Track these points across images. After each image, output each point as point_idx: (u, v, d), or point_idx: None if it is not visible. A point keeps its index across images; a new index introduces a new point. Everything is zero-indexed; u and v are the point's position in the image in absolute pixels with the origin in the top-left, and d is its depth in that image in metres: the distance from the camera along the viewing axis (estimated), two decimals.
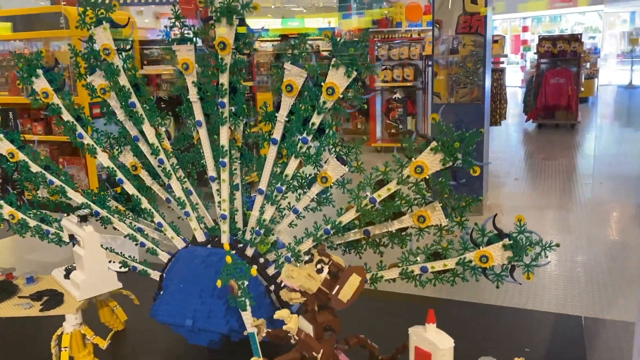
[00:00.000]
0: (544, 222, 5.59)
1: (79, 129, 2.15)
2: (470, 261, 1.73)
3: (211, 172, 2.08)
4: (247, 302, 1.77)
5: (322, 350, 1.60)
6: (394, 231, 1.87)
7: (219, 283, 1.83)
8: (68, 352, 1.98)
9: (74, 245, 2.17)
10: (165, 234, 2.20)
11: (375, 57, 9.56)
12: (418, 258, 1.84)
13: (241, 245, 2.09)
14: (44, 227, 2.32)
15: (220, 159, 1.99)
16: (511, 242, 1.67)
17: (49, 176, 2.22)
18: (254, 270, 1.84)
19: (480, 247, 1.72)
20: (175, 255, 2.16)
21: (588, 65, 13.74)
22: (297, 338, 1.62)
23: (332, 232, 1.89)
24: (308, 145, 1.84)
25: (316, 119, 1.80)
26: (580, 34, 11.58)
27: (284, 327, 1.59)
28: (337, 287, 1.63)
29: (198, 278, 2.03)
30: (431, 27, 9.46)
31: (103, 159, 2.17)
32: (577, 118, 11.21)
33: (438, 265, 1.79)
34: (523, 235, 1.67)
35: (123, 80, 2.06)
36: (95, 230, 2.02)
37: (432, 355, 1.47)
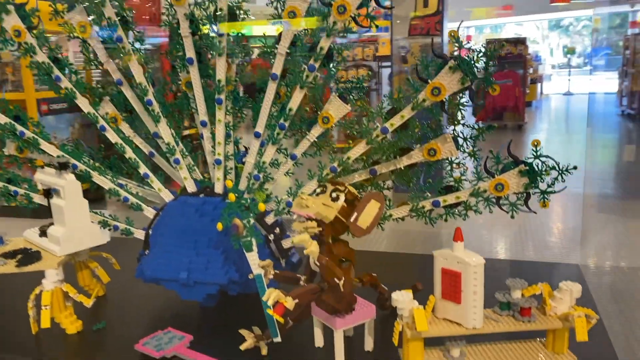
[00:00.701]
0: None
1: (56, 71, 1.98)
2: (485, 191, 1.68)
3: (202, 115, 1.95)
4: (254, 242, 1.65)
5: (344, 277, 1.50)
6: (402, 168, 1.79)
7: (219, 226, 1.70)
8: (49, 311, 1.79)
9: (49, 200, 1.99)
10: (151, 187, 2.05)
11: None
12: (428, 193, 1.77)
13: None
14: (12, 188, 2.13)
15: (217, 96, 1.87)
16: (527, 168, 1.63)
17: (19, 127, 2.04)
18: (262, 205, 1.72)
19: (495, 176, 1.67)
20: (164, 208, 2.01)
21: (531, 70, 14.22)
22: (317, 264, 1.51)
23: (339, 169, 1.79)
24: (315, 73, 1.74)
25: (325, 43, 1.70)
26: (525, 38, 11.97)
27: (305, 252, 1.48)
28: (355, 214, 1.54)
29: (192, 229, 1.89)
30: (382, 32, 9.57)
31: (83, 104, 2.00)
32: (524, 119, 11.55)
33: (450, 199, 1.73)
34: (539, 160, 1.62)
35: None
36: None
37: (463, 274, 1.40)
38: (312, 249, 1.47)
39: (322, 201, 1.57)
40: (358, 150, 1.76)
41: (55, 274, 1.82)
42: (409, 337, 1.41)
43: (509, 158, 1.66)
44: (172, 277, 1.86)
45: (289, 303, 1.45)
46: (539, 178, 1.63)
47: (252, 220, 1.65)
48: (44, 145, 2.05)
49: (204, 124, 1.96)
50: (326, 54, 1.72)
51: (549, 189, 1.63)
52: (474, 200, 1.72)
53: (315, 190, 1.67)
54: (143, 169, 2.03)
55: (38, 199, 2.14)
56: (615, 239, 4.80)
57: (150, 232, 2.05)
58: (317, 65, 1.72)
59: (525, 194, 1.67)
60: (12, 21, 1.93)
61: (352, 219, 1.54)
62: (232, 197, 1.66)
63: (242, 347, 1.68)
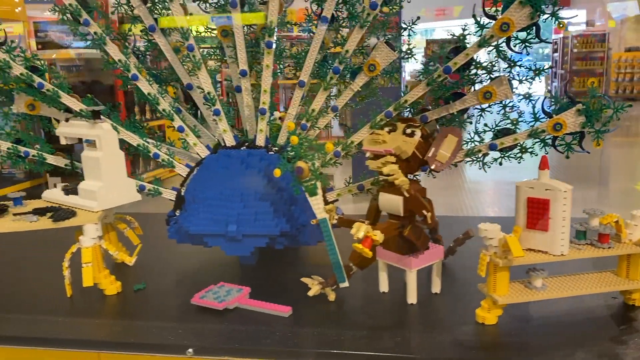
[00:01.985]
0: None
1: (37, 79, 1.87)
2: (543, 131, 1.70)
3: (242, 64, 1.87)
4: (318, 186, 1.60)
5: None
6: (455, 113, 1.79)
7: (277, 172, 1.64)
8: (91, 269, 1.66)
9: (71, 157, 1.86)
10: (186, 140, 1.94)
11: None
12: (484, 137, 1.78)
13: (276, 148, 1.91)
14: (22, 149, 1.96)
15: (267, 39, 1.79)
16: (584, 107, 1.66)
17: (37, 79, 1.88)
18: (330, 145, 1.67)
19: (553, 116, 1.69)
20: (202, 163, 1.91)
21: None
22: (407, 195, 1.47)
23: (394, 114, 1.77)
24: (376, 13, 1.71)
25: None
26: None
27: (397, 182, 1.44)
28: (433, 148, 1.52)
29: (237, 182, 1.81)
30: None
31: (113, 50, 1.87)
32: None
33: (508, 141, 1.74)
34: (595, 98, 1.66)
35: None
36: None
37: (551, 201, 1.40)
38: (403, 178, 1.44)
39: (397, 136, 1.54)
40: (417, 92, 1.74)
41: (95, 230, 1.68)
42: (501, 265, 1.40)
43: (565, 98, 1.70)
44: (218, 231, 1.77)
45: (378, 237, 1.41)
46: (595, 117, 1.67)
47: (317, 164, 1.59)
48: (65, 98, 1.90)
49: (244, 73, 1.88)
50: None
51: (603, 128, 1.68)
52: (529, 142, 1.73)
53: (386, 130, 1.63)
54: (178, 122, 1.92)
55: (52, 159, 1.99)
56: None
57: (183, 190, 1.94)
58: (379, 2, 1.69)
59: (579, 135, 1.71)
60: None
61: (430, 154, 1.51)
62: (295, 139, 1.60)
63: (310, 293, 1.62)
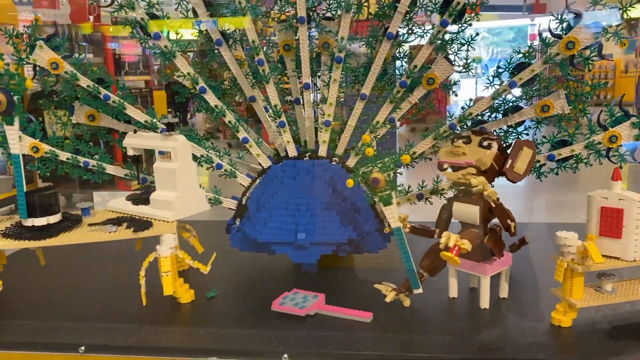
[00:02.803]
0: None
1: (103, 91, 1.91)
2: (599, 143, 1.80)
3: (306, 77, 1.93)
4: (393, 195, 1.66)
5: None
6: (513, 125, 1.87)
7: (350, 183, 1.70)
8: (170, 277, 1.69)
9: (137, 167, 1.90)
10: (249, 151, 1.99)
11: None
12: (542, 148, 1.87)
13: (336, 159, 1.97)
14: (81, 159, 1.98)
15: (337, 54, 1.85)
16: (639, 120, 1.77)
17: (103, 90, 1.91)
18: (406, 157, 1.74)
19: (609, 128, 1.79)
20: (266, 173, 1.96)
21: None
22: (493, 204, 1.55)
23: (458, 126, 1.85)
24: (446, 30, 1.79)
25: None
26: None
27: (485, 193, 1.52)
28: (510, 160, 1.60)
29: (304, 191, 1.87)
30: None
31: (182, 64, 1.91)
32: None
33: (565, 152, 1.83)
34: None
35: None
36: None
37: (625, 210, 1.50)
38: (491, 189, 1.51)
39: (474, 148, 1.62)
40: (482, 105, 1.82)
41: (173, 239, 1.72)
42: (580, 271, 1.49)
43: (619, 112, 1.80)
44: (287, 240, 1.82)
45: (466, 245, 1.48)
46: None
47: (392, 174, 1.66)
48: (130, 109, 1.93)
49: (307, 86, 1.93)
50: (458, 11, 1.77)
51: None
52: (585, 153, 1.83)
53: (453, 142, 1.70)
54: (242, 134, 1.97)
55: (112, 169, 2.02)
56: None
57: (244, 199, 1.99)
58: (450, 20, 1.76)
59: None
60: (47, 55, 1.84)
61: (507, 165, 1.60)
62: (370, 151, 1.67)
63: (388, 299, 1.68)
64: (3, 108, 1.62)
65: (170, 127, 1.78)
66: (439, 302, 1.73)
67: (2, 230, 1.70)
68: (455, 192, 1.69)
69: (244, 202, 1.99)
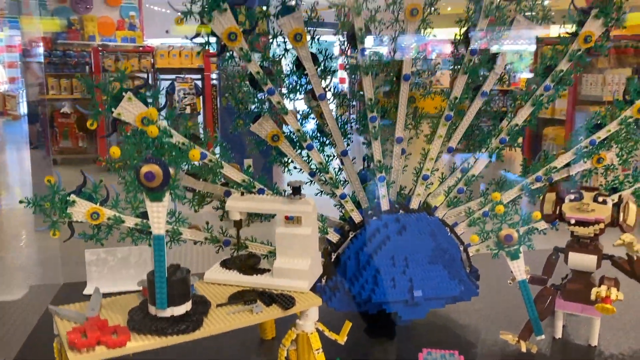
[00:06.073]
0: None
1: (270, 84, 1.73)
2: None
3: (399, 132, 1.93)
4: (521, 250, 1.77)
5: None
6: (573, 174, 2.10)
7: (475, 238, 1.77)
8: (322, 355, 1.57)
9: (238, 231, 1.73)
10: (345, 207, 1.91)
11: (102, 68, 8.83)
12: None
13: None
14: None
15: (448, 112, 1.88)
16: None
17: (200, 149, 1.68)
18: (537, 214, 1.83)
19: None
20: (364, 229, 1.91)
21: None
22: (636, 258, 1.72)
23: (543, 178, 2.00)
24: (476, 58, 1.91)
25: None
26: None
27: (635, 248, 1.68)
28: (622, 214, 1.80)
29: (410, 246, 1.87)
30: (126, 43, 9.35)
31: (291, 120, 1.76)
32: None
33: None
34: None
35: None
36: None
37: None
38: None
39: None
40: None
41: (316, 313, 1.60)
42: None
43: None
44: (402, 298, 1.81)
45: (620, 295, 1.65)
46: None
47: (521, 230, 1.76)
48: (227, 169, 1.74)
49: (399, 140, 1.93)
50: None
51: None
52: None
53: (570, 198, 1.85)
54: (340, 190, 1.89)
55: (190, 234, 1.79)
56: None
57: (336, 256, 1.92)
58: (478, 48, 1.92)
59: None
60: (227, 22, 1.61)
61: (621, 220, 1.80)
62: (500, 208, 1.75)
63: (523, 349, 1.78)
64: (157, 183, 1.35)
65: (296, 191, 1.65)
66: (548, 345, 1.88)
67: (133, 325, 1.40)
68: (569, 242, 1.85)
69: (337, 259, 1.92)
